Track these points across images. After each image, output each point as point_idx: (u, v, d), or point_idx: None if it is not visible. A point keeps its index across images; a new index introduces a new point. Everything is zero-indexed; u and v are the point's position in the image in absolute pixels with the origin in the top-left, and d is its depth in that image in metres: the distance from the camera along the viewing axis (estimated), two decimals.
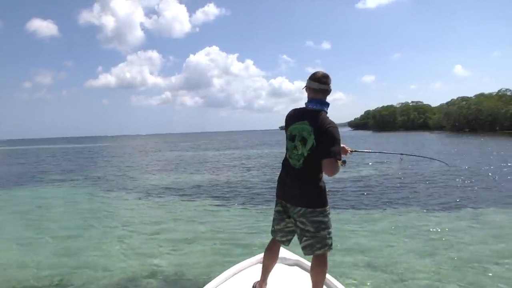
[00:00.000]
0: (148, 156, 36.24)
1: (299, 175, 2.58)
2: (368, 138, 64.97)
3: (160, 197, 12.29)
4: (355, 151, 3.19)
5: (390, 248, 6.31)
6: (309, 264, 2.81)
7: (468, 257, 5.79)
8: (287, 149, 2.73)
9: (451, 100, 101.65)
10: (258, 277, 2.91)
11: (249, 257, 3.43)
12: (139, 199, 12.06)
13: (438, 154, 24.86)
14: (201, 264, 5.80)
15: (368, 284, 4.92)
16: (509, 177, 14.16)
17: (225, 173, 18.79)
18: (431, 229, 7.36)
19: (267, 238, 2.99)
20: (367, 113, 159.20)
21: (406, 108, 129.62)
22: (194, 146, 54.94)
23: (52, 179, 18.20)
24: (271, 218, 2.86)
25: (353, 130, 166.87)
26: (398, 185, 13.20)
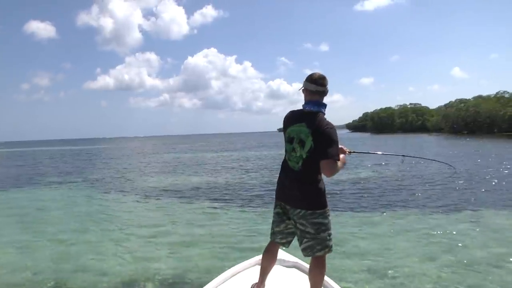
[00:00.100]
0: (146, 158, 36.17)
1: (298, 177, 2.59)
2: (366, 140, 65.00)
3: (158, 199, 12.25)
4: (354, 152, 3.18)
5: (389, 251, 6.28)
6: (307, 266, 2.81)
7: (468, 260, 5.76)
8: (286, 151, 2.73)
9: (449, 102, 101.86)
10: (256, 279, 2.91)
11: (247, 259, 3.42)
12: (137, 201, 12.02)
13: (437, 157, 24.87)
14: (199, 267, 5.76)
15: (367, 287, 4.90)
16: (508, 179, 14.17)
17: (224, 175, 18.76)
18: (430, 232, 7.34)
19: (265, 241, 2.97)
20: (365, 115, 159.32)
21: (404, 110, 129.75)
22: (192, 148, 54.88)
23: (49, 181, 18.13)
24: (270, 220, 2.85)
25: (351, 132, 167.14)
26: (397, 187, 13.19)
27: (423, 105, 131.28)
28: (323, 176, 2.60)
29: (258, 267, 2.95)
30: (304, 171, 2.56)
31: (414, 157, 4.05)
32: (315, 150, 2.50)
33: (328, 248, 2.59)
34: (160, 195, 12.95)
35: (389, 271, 5.34)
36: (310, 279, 2.65)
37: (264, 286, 2.87)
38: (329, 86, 2.67)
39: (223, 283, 3.06)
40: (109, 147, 76.99)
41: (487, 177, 14.77)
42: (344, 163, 2.68)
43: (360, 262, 5.74)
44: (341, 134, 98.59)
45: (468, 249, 6.28)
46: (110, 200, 12.50)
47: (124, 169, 24.12)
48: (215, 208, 10.53)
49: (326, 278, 2.79)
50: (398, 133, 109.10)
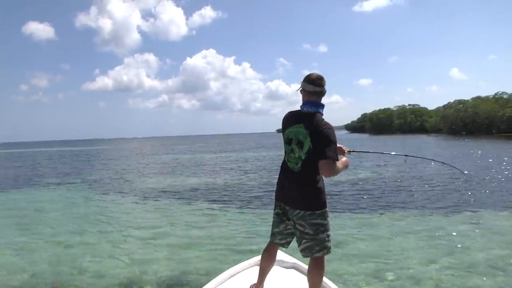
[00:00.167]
0: (144, 159, 36.13)
1: (298, 178, 2.59)
2: (365, 141, 65.06)
3: (157, 200, 12.23)
4: (353, 151, 3.18)
5: (388, 253, 6.26)
6: (306, 267, 2.80)
7: (468, 262, 5.75)
8: (285, 152, 2.73)
9: (448, 103, 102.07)
10: (255, 280, 2.91)
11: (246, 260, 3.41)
12: (136, 202, 11.99)
13: (436, 157, 24.88)
14: (197, 269, 5.74)
15: None
16: (507, 180, 14.18)
17: (222, 176, 18.74)
18: (430, 233, 7.32)
19: (264, 243, 2.97)
20: (364, 116, 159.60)
21: (403, 111, 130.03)
22: (191, 149, 54.82)
23: (48, 183, 18.09)
24: (269, 222, 2.85)
25: (350, 133, 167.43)
26: (396, 188, 13.19)
27: (421, 106, 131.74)
28: (323, 177, 2.59)
29: (257, 268, 2.96)
30: (303, 172, 2.56)
31: (414, 156, 4.03)
32: (313, 151, 2.50)
33: (327, 249, 2.59)
34: (159, 197, 12.93)
35: (389, 273, 5.32)
36: (309, 280, 2.65)
37: (262, 286, 2.87)
38: (327, 87, 2.67)
39: (221, 283, 3.05)
40: (108, 148, 76.89)
41: (486, 178, 14.78)
42: (346, 165, 2.68)
43: (359, 264, 5.72)
44: (340, 135, 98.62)
45: (468, 251, 6.27)
46: (109, 202, 12.47)
47: (123, 170, 24.09)
48: (213, 209, 10.50)
49: (325, 279, 2.79)
50: (396, 134, 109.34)
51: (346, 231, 7.57)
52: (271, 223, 2.84)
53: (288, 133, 2.67)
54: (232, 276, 3.19)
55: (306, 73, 2.69)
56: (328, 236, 2.59)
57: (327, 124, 2.53)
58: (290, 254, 3.48)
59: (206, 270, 5.63)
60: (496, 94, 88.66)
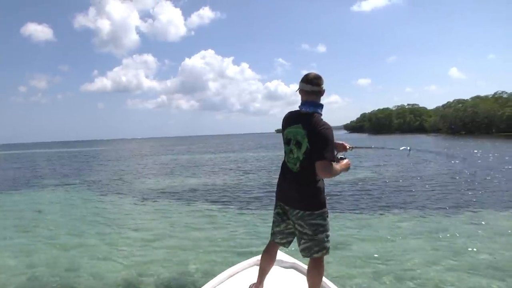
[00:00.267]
0: (143, 159, 36.11)
1: (297, 179, 2.59)
2: (364, 141, 65.11)
3: (156, 201, 12.21)
4: (356, 147, 3.18)
5: (389, 253, 6.23)
6: (305, 267, 2.81)
7: (470, 262, 5.73)
8: (285, 152, 2.73)
9: (447, 102, 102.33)
10: (254, 279, 2.92)
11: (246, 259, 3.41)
12: (135, 203, 11.97)
13: (437, 156, 24.91)
14: (197, 270, 5.71)
15: None
16: (508, 180, 14.17)
17: (221, 176, 18.73)
18: (430, 234, 7.30)
19: (263, 244, 2.96)
20: (363, 115, 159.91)
21: (402, 111, 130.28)
22: (190, 150, 54.84)
23: (47, 184, 18.06)
24: (268, 222, 2.85)
25: (349, 133, 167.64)
26: (396, 188, 13.19)
27: (420, 105, 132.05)
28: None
29: (257, 268, 2.97)
30: (302, 172, 2.56)
31: (417, 149, 4.00)
32: (311, 151, 2.49)
33: (326, 250, 2.59)
34: (158, 197, 12.90)
35: (388, 274, 5.30)
36: (308, 280, 2.65)
37: (262, 286, 2.88)
38: (326, 87, 2.66)
39: (221, 283, 3.06)
40: (107, 149, 76.88)
41: (487, 178, 14.78)
42: (346, 168, 2.66)
43: (359, 264, 5.70)
44: (339, 135, 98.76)
45: (469, 252, 6.24)
46: (107, 203, 12.44)
47: (122, 171, 24.07)
48: (213, 210, 10.48)
49: (324, 279, 2.79)
50: (396, 133, 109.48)
51: (346, 232, 7.55)
52: (270, 224, 2.84)
53: (287, 133, 2.67)
54: (232, 275, 3.20)
55: (305, 73, 2.68)
56: (327, 236, 2.59)
57: (325, 124, 2.52)
58: (290, 254, 3.48)
59: (206, 270, 5.61)
60: (495, 93, 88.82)
